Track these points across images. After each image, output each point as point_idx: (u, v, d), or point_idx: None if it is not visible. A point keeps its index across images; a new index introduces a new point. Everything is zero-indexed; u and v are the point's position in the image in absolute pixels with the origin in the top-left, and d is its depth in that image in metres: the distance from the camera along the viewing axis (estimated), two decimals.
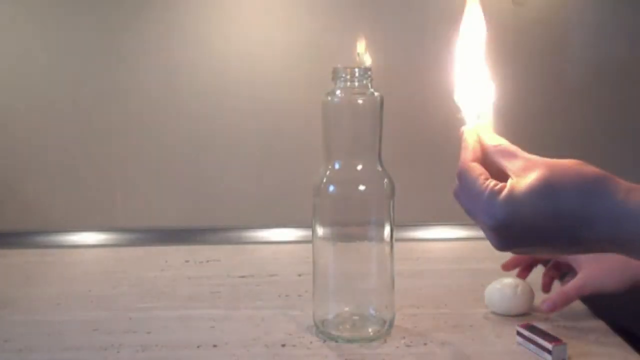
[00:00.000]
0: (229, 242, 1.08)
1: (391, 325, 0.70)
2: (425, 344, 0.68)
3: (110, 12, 1.05)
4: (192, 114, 1.08)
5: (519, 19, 1.04)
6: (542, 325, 0.67)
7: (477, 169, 0.52)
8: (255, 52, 1.06)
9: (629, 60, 1.07)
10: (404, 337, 0.69)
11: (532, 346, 0.65)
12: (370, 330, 0.69)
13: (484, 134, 0.54)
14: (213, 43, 1.06)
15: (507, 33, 1.04)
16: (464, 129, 0.55)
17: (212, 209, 1.10)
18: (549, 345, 0.63)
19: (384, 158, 0.69)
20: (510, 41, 1.05)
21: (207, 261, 0.98)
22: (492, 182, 0.50)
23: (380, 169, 0.69)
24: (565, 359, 0.63)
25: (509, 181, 0.49)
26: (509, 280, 0.74)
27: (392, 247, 0.69)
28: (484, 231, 0.50)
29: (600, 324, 0.72)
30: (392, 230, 0.69)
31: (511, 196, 0.48)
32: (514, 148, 0.52)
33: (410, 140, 1.09)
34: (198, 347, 0.68)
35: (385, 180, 0.69)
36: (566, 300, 0.71)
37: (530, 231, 0.48)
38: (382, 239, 0.69)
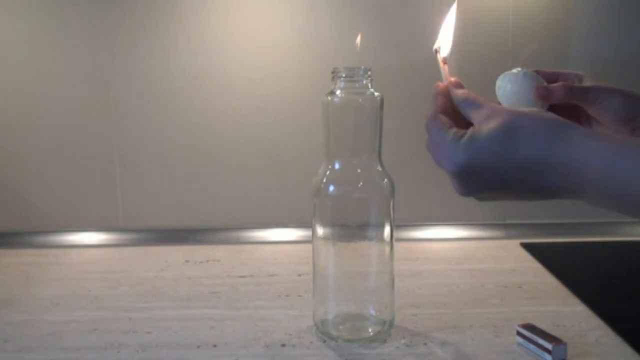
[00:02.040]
0: (229, 242, 1.08)
1: (391, 325, 0.70)
2: (425, 344, 0.68)
3: (111, 12, 1.05)
4: (192, 114, 1.08)
5: (520, 17, 1.04)
6: (542, 326, 0.67)
7: (442, 119, 0.53)
8: (254, 52, 1.06)
9: (629, 60, 1.07)
10: (404, 337, 0.69)
11: (532, 346, 0.65)
12: (370, 330, 0.69)
13: (453, 88, 0.56)
14: (212, 44, 1.06)
15: (507, 34, 1.04)
16: (436, 84, 0.57)
17: (212, 209, 1.10)
18: (549, 345, 0.63)
19: (384, 158, 0.69)
20: (511, 42, 1.05)
21: (207, 261, 0.98)
22: (454, 130, 0.51)
23: (380, 169, 0.69)
24: (565, 359, 0.63)
25: (471, 128, 0.50)
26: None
27: (392, 247, 0.69)
28: (450, 178, 0.51)
29: (600, 324, 0.72)
30: (392, 230, 0.69)
31: (472, 141, 0.49)
32: (481, 99, 0.53)
33: (410, 140, 1.09)
34: (198, 347, 0.68)
35: (385, 180, 0.69)
36: (565, 93, 0.58)
37: (491, 176, 0.49)
38: (382, 239, 0.69)
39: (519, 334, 0.66)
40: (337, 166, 0.68)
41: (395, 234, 0.69)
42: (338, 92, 0.67)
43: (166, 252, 1.02)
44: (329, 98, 0.67)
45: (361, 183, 0.68)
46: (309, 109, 1.05)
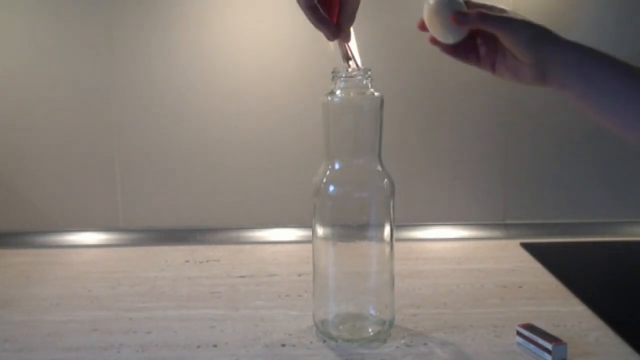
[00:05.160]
0: (229, 242, 1.08)
1: (391, 325, 0.70)
2: (425, 344, 0.68)
3: (113, 12, 1.05)
4: (192, 115, 1.08)
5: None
6: (542, 326, 0.67)
7: None
8: (254, 53, 1.06)
9: (630, 59, 1.07)
10: (404, 337, 0.69)
11: (532, 346, 0.65)
12: (370, 330, 0.69)
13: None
14: (212, 45, 1.06)
15: None
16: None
17: (212, 209, 1.10)
18: (549, 345, 0.63)
19: (384, 158, 0.69)
20: None
21: (207, 261, 0.98)
22: None
23: (380, 168, 0.69)
24: (565, 359, 0.63)
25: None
26: None
27: (392, 247, 0.69)
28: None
29: (600, 324, 0.72)
30: (392, 230, 0.69)
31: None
32: None
33: (410, 141, 1.09)
34: (198, 347, 0.68)
35: (385, 180, 0.69)
36: (479, 19, 0.63)
37: None
38: (382, 239, 0.69)
39: (519, 334, 0.66)
40: (337, 166, 0.68)
41: (395, 234, 0.69)
42: (338, 92, 0.67)
43: (166, 252, 1.02)
44: (329, 98, 0.67)
45: (361, 183, 0.68)
46: (309, 109, 1.05)
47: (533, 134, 1.09)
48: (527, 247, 1.01)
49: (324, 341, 0.68)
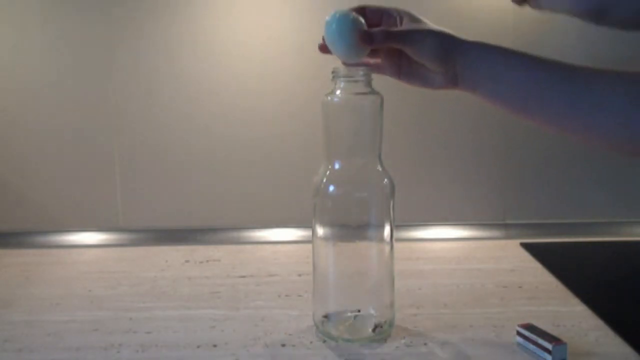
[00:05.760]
0: (229, 242, 1.08)
1: (391, 325, 0.70)
2: (425, 344, 0.68)
3: (115, 11, 1.05)
4: (192, 115, 1.08)
5: (520, 17, 1.04)
6: (542, 326, 0.67)
7: None
8: (254, 52, 1.06)
9: (630, 59, 1.07)
10: (404, 337, 0.69)
11: (532, 346, 0.65)
12: (370, 330, 0.69)
13: None
14: (212, 44, 1.06)
15: (507, 34, 1.04)
16: None
17: (212, 209, 1.10)
18: (549, 345, 0.63)
19: (384, 158, 0.69)
20: (511, 42, 1.05)
21: (207, 261, 0.98)
22: None
23: (380, 168, 0.69)
24: (565, 359, 0.63)
25: None
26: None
27: (392, 247, 0.69)
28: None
29: (600, 324, 0.72)
30: (392, 230, 0.69)
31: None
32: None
33: (410, 141, 1.09)
34: (198, 347, 0.68)
35: (385, 180, 0.69)
36: (384, 37, 0.63)
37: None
38: (382, 239, 0.69)
39: (519, 334, 0.66)
40: (337, 166, 0.68)
41: (395, 234, 0.69)
42: (338, 92, 0.67)
43: (166, 252, 1.02)
44: (329, 98, 0.67)
45: (361, 183, 0.68)
46: (309, 109, 1.05)
47: (533, 134, 1.09)
48: (527, 247, 1.01)
49: (324, 341, 0.68)
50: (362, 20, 0.65)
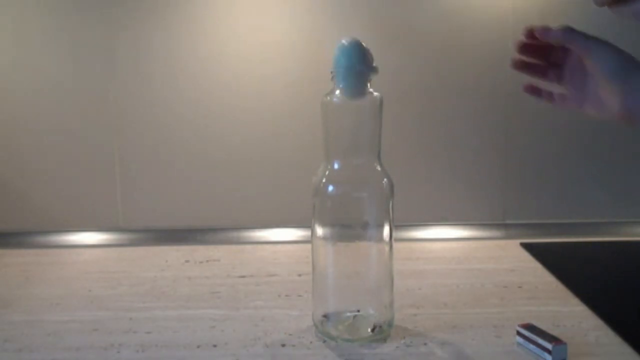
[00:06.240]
0: (229, 242, 1.08)
1: (391, 325, 0.70)
2: (425, 344, 0.68)
3: (113, 12, 1.05)
4: (192, 115, 1.08)
5: (520, 17, 1.04)
6: (542, 326, 0.67)
7: None
8: (254, 53, 1.06)
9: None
10: (404, 337, 0.69)
11: (532, 346, 0.65)
12: (370, 330, 0.69)
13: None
14: (212, 44, 1.06)
15: (507, 34, 1.04)
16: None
17: (212, 209, 1.10)
18: (549, 345, 0.63)
19: (384, 158, 0.69)
20: (511, 42, 1.05)
21: (207, 261, 0.98)
22: None
23: (379, 168, 0.69)
24: (565, 359, 0.63)
25: None
26: None
27: (391, 247, 0.69)
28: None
29: (600, 324, 0.72)
30: (391, 230, 0.69)
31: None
32: None
33: (410, 141, 1.09)
34: (198, 347, 0.68)
35: (385, 180, 0.69)
36: (566, 35, 0.63)
37: None
38: (381, 239, 0.69)
39: (519, 334, 0.66)
40: (336, 166, 0.68)
41: (395, 234, 0.69)
42: (338, 92, 0.67)
43: (166, 252, 1.02)
44: (329, 98, 0.67)
45: (360, 183, 0.68)
46: (309, 109, 1.05)
47: (533, 134, 1.09)
48: (527, 247, 1.01)
49: (324, 341, 0.68)
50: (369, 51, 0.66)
